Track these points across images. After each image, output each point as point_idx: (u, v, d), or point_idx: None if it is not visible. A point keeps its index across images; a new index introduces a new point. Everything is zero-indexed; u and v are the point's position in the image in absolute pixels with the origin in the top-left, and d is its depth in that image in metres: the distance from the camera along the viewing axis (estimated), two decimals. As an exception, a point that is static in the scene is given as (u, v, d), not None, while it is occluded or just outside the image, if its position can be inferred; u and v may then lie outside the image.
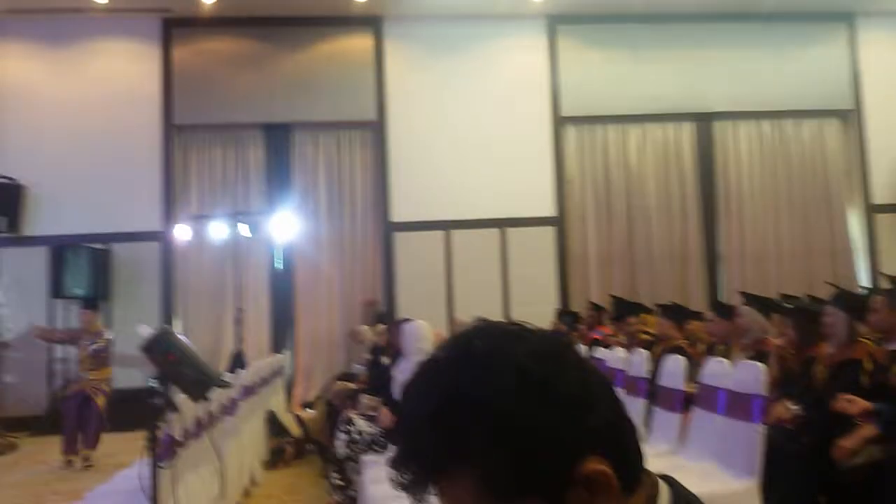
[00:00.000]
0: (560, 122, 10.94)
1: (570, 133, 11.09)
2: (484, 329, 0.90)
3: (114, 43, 10.51)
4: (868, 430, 3.43)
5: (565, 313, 9.48)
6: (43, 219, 10.08)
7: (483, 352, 0.85)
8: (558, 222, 10.81)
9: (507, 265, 10.68)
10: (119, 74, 10.45)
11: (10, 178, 9.91)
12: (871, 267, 10.98)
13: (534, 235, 10.70)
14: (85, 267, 9.88)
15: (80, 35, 10.44)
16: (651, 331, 6.36)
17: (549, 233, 10.78)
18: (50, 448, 7.79)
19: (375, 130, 10.77)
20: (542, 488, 0.81)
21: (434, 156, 10.60)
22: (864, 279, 10.88)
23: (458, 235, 10.61)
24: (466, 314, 9.77)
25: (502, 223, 10.66)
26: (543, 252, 10.74)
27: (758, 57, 11.10)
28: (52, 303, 9.86)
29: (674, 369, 4.44)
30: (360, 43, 10.80)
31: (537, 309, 9.74)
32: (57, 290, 9.69)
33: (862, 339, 4.23)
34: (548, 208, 10.78)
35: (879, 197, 11.11)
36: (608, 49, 11.04)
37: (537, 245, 10.71)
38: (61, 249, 9.74)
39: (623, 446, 0.87)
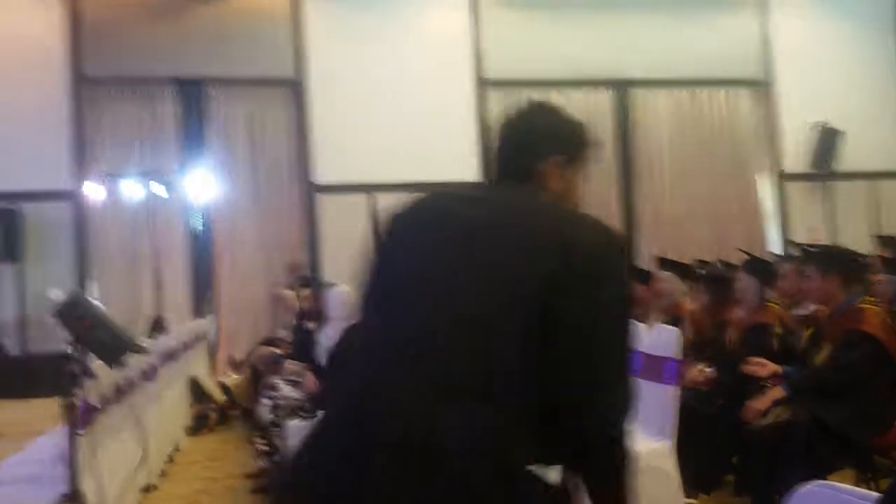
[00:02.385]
0: (483, 84, 10.92)
1: (494, 97, 11.08)
2: None
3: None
4: (776, 392, 3.60)
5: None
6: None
7: None
8: (482, 187, 10.82)
9: (431, 229, 10.65)
10: (22, 23, 9.87)
11: None
12: (781, 234, 11.43)
13: (458, 200, 10.67)
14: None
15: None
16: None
17: (472, 197, 10.78)
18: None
19: (295, 88, 10.55)
20: None
21: (357, 117, 10.43)
22: (774, 246, 11.31)
23: (382, 199, 10.52)
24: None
25: (427, 187, 10.49)
26: (467, 216, 10.73)
27: (674, 25, 11.25)
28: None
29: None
30: (277, -4, 10.49)
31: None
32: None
33: (771, 304, 4.42)
34: (472, 173, 10.79)
35: (790, 165, 11.52)
36: (529, 10, 11.01)
37: (461, 210, 10.69)
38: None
39: None
